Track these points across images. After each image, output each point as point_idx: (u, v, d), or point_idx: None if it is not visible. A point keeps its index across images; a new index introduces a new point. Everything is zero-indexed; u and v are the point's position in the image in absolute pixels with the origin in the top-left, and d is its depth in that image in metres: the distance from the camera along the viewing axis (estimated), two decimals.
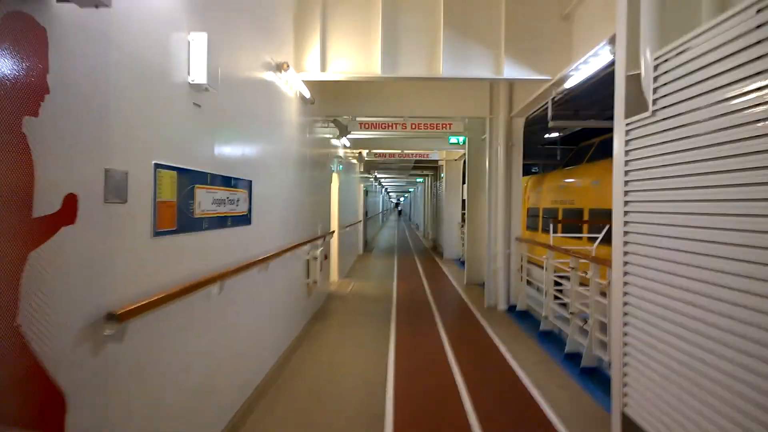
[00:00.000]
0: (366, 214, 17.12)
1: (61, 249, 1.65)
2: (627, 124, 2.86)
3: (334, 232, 8.55)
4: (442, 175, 15.23)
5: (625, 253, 2.91)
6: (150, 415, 2.28)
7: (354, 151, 11.87)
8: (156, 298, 2.16)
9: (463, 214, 12.41)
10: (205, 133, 2.89)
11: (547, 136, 17.49)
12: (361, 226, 14.97)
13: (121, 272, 2.01)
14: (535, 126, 14.84)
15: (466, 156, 10.07)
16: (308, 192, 6.07)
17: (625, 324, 2.91)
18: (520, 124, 7.37)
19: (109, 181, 1.91)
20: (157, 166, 2.29)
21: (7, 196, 1.43)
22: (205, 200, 2.83)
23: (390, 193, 45.50)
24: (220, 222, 3.08)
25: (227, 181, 3.18)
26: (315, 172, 6.56)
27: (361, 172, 14.54)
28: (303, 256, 5.81)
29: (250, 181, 3.64)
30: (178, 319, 2.54)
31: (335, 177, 8.95)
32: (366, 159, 12.99)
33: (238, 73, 3.49)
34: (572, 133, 16.49)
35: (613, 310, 3.10)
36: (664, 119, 2.52)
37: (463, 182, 13.32)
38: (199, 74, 2.63)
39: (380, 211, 32.71)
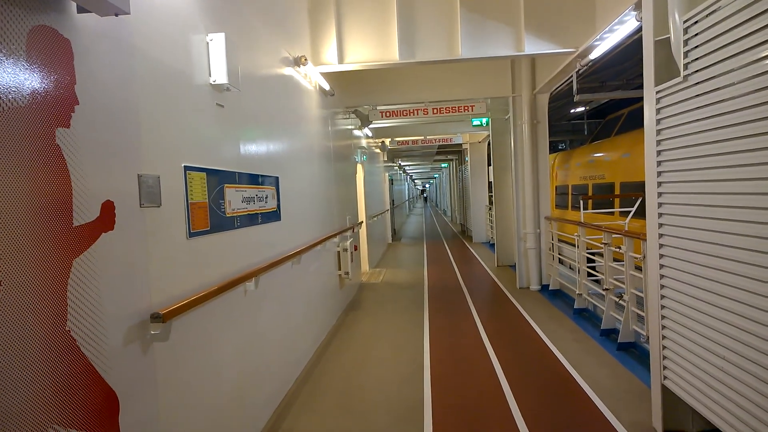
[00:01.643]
0: (392, 202, 17.12)
1: (103, 254, 1.72)
2: (657, 92, 2.75)
3: (362, 222, 8.60)
4: (466, 158, 15.03)
5: (660, 225, 2.82)
6: (194, 411, 2.37)
7: (377, 140, 11.84)
8: (196, 297, 2.24)
9: (490, 197, 12.26)
10: (230, 132, 2.94)
11: (572, 110, 17.03)
12: (388, 215, 14.99)
13: (161, 274, 2.09)
14: (559, 101, 14.47)
15: (490, 137, 9.91)
16: (334, 184, 6.11)
17: (663, 297, 2.84)
18: (544, 101, 7.19)
19: (143, 186, 1.97)
20: (187, 168, 2.35)
21: (47, 207, 1.49)
22: (235, 199, 2.89)
23: (415, 180, 45.33)
24: (251, 219, 3.15)
25: (255, 179, 3.23)
26: (339, 164, 6.59)
27: (385, 161, 14.51)
28: (333, 248, 5.87)
29: (277, 178, 3.69)
30: (217, 316, 2.62)
31: (360, 168, 8.96)
32: (389, 147, 12.96)
33: (258, 71, 3.53)
34: (598, 105, 16.01)
35: (650, 283, 3.03)
36: (697, 84, 2.41)
37: (489, 164, 13.13)
38: (220, 74, 2.67)
39: (406, 198, 32.62)
